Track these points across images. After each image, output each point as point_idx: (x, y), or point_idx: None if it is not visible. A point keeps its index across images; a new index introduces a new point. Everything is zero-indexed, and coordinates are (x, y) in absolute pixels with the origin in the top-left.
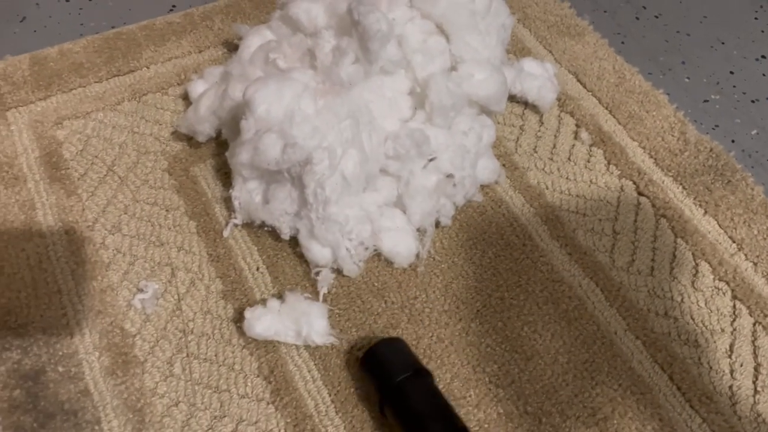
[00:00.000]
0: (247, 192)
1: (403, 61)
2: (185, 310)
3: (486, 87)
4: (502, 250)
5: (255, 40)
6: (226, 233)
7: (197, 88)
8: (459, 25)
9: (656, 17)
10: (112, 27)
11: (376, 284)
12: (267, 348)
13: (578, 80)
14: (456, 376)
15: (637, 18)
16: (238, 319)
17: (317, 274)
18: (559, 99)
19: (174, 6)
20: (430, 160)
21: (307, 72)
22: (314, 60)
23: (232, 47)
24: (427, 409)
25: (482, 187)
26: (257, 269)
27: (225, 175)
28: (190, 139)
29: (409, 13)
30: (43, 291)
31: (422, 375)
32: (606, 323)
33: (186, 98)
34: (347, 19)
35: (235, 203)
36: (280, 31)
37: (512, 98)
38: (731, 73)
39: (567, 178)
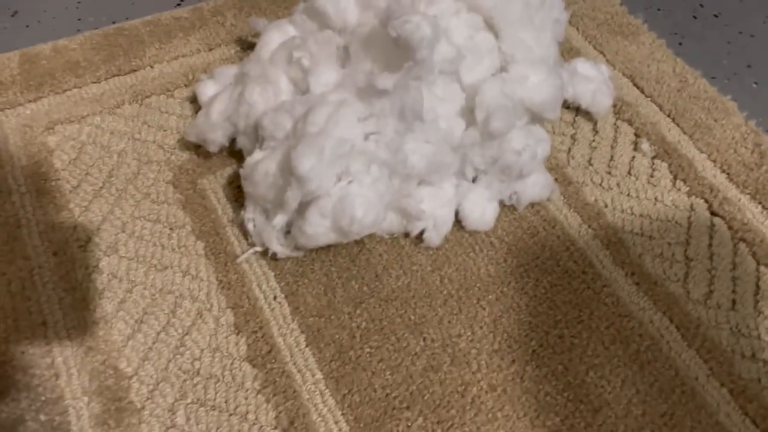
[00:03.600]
0: (263, 212)
1: (459, 55)
2: (190, 347)
3: (542, 91)
4: (558, 279)
5: (275, 36)
6: (240, 259)
7: (207, 90)
8: (511, 19)
9: (715, 16)
10: (113, 22)
11: (412, 317)
12: (286, 394)
13: (635, 84)
14: None
15: (695, 17)
16: (252, 358)
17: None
18: (614, 105)
19: (182, 0)
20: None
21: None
22: (347, 59)
23: (246, 45)
24: None
25: (533, 205)
26: (274, 298)
27: (238, 189)
28: (198, 148)
29: (454, 5)
30: (25, 323)
31: None
32: (685, 367)
33: (194, 101)
34: (381, 14)
35: (249, 225)
36: (305, 26)
37: (563, 103)
38: None
39: (628, 194)
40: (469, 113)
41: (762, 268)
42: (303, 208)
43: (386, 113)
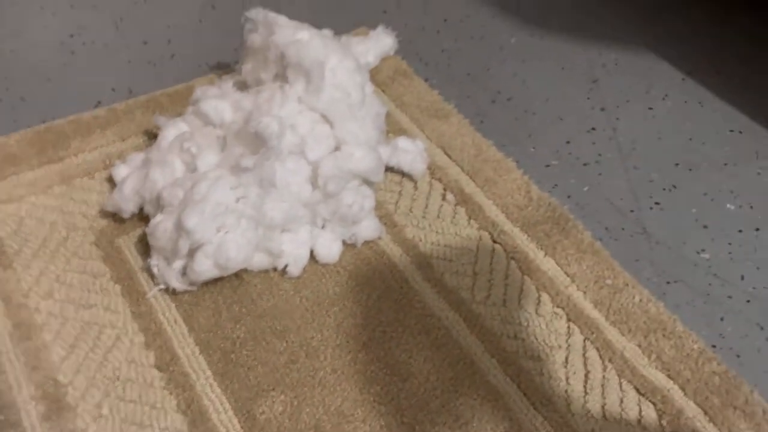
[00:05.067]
0: (164, 259)
1: (302, 142)
2: (112, 361)
3: (364, 163)
4: (384, 293)
5: (172, 131)
6: (149, 295)
7: (121, 172)
8: (340, 116)
9: (508, 100)
10: (43, 121)
11: (278, 327)
12: (185, 387)
13: (445, 153)
14: (346, 399)
15: (493, 101)
16: (159, 365)
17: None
18: (429, 168)
19: (99, 102)
20: None
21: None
22: (224, 146)
23: (152, 135)
24: None
25: (367, 242)
26: (175, 322)
27: (146, 244)
28: (114, 216)
29: (298, 107)
30: None
31: None
32: (468, 347)
33: (111, 181)
34: (247, 115)
35: (154, 270)
36: (193, 124)
37: (391, 169)
38: (567, 142)
39: (437, 231)
40: (314, 180)
41: (525, 278)
42: (192, 252)
43: (250, 183)
